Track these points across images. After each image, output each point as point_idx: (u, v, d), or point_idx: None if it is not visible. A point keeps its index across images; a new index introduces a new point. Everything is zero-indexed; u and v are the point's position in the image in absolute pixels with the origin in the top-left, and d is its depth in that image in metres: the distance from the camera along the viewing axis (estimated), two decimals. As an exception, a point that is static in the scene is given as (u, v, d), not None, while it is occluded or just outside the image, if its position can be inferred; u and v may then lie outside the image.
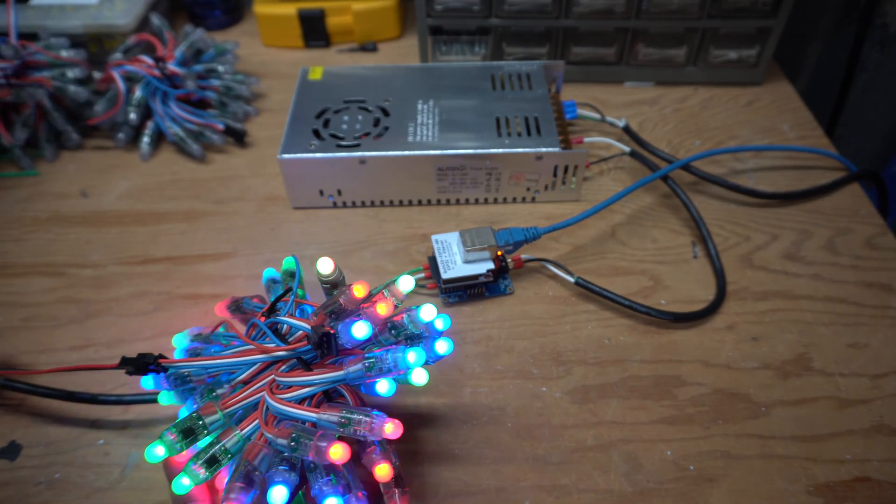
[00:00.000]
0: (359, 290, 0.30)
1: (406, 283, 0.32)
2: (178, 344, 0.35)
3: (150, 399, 0.37)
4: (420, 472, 0.36)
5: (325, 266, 0.33)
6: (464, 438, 0.37)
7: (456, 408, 0.39)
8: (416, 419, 0.38)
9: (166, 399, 0.33)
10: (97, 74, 0.57)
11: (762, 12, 0.58)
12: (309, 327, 0.30)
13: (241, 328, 0.38)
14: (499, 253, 0.45)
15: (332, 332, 0.30)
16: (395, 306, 0.31)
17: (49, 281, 0.46)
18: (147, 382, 0.33)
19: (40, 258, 0.48)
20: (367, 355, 0.29)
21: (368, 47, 0.69)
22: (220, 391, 0.31)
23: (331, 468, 0.29)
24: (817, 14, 0.77)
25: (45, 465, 0.36)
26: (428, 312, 0.31)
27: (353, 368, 0.29)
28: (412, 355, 0.29)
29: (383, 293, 0.31)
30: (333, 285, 0.34)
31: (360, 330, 0.29)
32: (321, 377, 0.30)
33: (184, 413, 0.32)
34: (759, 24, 0.59)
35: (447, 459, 0.37)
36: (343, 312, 0.31)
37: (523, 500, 0.35)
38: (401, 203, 0.52)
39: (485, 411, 0.39)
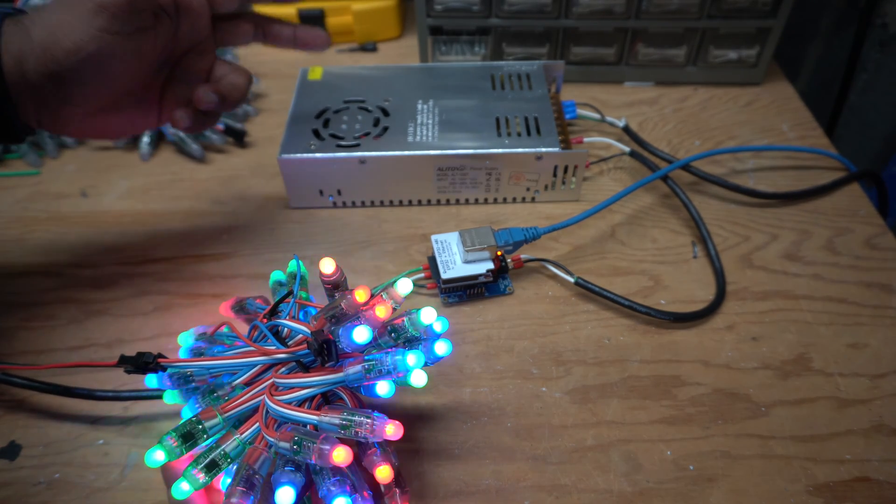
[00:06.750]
0: (360, 295, 0.30)
1: (404, 286, 0.32)
2: (183, 342, 0.35)
3: (148, 395, 0.37)
4: (420, 472, 0.36)
5: (327, 267, 0.33)
6: (464, 438, 0.37)
7: (456, 408, 0.39)
8: (416, 419, 0.38)
9: (171, 398, 0.33)
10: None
11: (762, 12, 0.58)
12: (309, 331, 0.30)
13: (244, 328, 0.38)
14: (498, 253, 0.45)
15: (332, 339, 0.30)
16: (394, 309, 0.31)
17: (49, 281, 0.46)
18: (151, 381, 0.33)
19: (40, 258, 0.48)
20: (366, 358, 0.29)
21: (368, 47, 0.69)
22: (221, 392, 0.31)
23: (336, 469, 0.29)
24: (817, 14, 0.77)
25: (44, 465, 0.36)
26: (428, 315, 0.31)
27: (353, 370, 0.29)
28: (412, 358, 0.29)
29: (381, 296, 0.31)
30: (335, 286, 0.34)
31: (362, 335, 0.29)
32: (320, 379, 0.30)
33: (186, 412, 0.32)
34: (758, 24, 0.59)
35: (447, 459, 0.37)
36: (344, 316, 0.31)
37: (523, 500, 0.35)
38: (401, 203, 0.52)
39: (485, 411, 0.39)
